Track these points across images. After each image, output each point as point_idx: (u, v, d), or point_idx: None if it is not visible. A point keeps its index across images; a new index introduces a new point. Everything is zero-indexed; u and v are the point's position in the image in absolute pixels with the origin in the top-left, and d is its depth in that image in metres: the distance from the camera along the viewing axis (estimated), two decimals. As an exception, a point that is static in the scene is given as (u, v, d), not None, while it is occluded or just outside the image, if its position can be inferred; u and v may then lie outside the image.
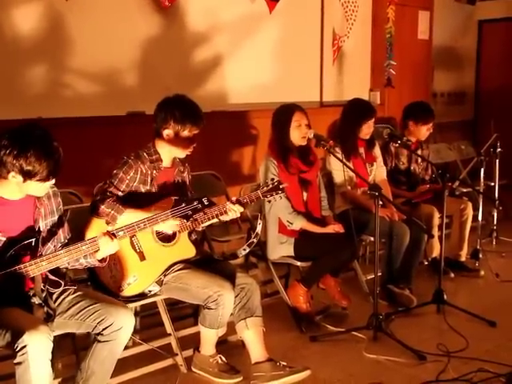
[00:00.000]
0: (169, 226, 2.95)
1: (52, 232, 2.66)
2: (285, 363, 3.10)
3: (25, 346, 2.25)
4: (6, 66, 3.96)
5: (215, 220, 3.13)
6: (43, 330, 2.31)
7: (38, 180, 2.40)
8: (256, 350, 3.12)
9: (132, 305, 3.09)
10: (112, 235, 2.57)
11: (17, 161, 2.35)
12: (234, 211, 3.03)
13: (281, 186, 3.12)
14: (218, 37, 5.12)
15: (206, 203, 2.73)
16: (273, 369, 3.06)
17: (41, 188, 2.48)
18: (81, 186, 3.78)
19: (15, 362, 2.29)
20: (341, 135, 4.22)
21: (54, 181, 2.49)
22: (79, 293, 2.66)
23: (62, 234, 2.72)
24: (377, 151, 4.40)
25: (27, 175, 2.38)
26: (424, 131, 4.61)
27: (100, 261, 2.65)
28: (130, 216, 2.84)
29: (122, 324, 2.53)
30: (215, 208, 3.01)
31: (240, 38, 5.30)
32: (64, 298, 2.64)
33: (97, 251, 2.57)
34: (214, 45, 5.10)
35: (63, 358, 3.07)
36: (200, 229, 3.25)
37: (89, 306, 2.57)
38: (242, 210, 3.06)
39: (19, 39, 4.00)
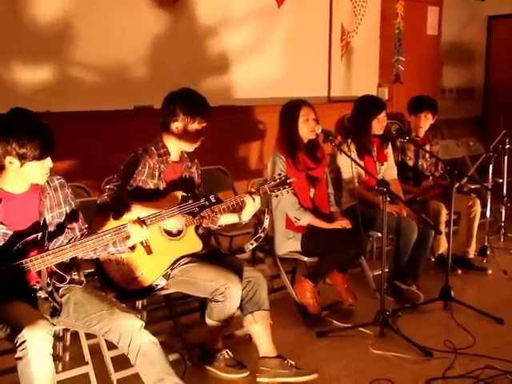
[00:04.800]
0: (173, 223, 2.94)
1: (61, 224, 2.64)
2: (293, 362, 3.08)
3: (24, 342, 2.23)
4: (14, 59, 3.97)
5: (236, 220, 3.14)
6: (42, 325, 2.29)
7: (33, 159, 2.39)
8: (264, 344, 3.11)
9: (139, 300, 3.10)
10: (142, 222, 2.59)
11: (9, 144, 2.36)
12: (252, 202, 3.01)
13: (288, 181, 3.11)
14: (226, 31, 5.11)
15: (213, 201, 2.72)
16: (280, 366, 3.05)
17: (39, 170, 2.45)
18: (88, 179, 3.78)
19: (16, 356, 2.28)
20: (353, 133, 4.21)
21: (50, 161, 2.46)
22: (85, 294, 2.62)
23: (77, 226, 2.71)
24: (389, 151, 4.38)
25: (23, 157, 2.38)
26: (422, 121, 4.53)
27: (130, 248, 2.67)
28: (137, 212, 2.81)
29: (129, 336, 2.49)
30: (231, 198, 3.01)
31: (248, 33, 5.29)
32: (70, 297, 2.61)
33: (127, 238, 2.59)
34: (221, 39, 5.09)
35: (71, 352, 3.08)
36: (217, 226, 3.25)
37: (94, 314, 2.53)
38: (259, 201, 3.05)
39: (28, 33, 4.00)
